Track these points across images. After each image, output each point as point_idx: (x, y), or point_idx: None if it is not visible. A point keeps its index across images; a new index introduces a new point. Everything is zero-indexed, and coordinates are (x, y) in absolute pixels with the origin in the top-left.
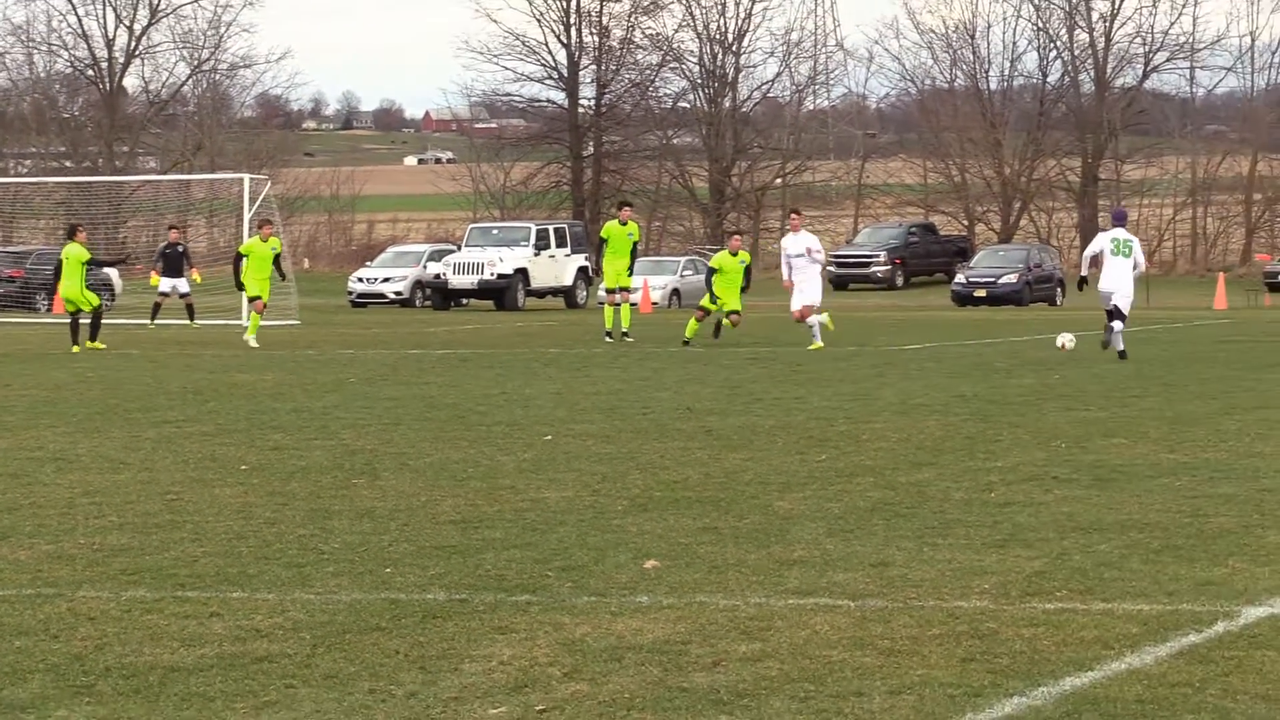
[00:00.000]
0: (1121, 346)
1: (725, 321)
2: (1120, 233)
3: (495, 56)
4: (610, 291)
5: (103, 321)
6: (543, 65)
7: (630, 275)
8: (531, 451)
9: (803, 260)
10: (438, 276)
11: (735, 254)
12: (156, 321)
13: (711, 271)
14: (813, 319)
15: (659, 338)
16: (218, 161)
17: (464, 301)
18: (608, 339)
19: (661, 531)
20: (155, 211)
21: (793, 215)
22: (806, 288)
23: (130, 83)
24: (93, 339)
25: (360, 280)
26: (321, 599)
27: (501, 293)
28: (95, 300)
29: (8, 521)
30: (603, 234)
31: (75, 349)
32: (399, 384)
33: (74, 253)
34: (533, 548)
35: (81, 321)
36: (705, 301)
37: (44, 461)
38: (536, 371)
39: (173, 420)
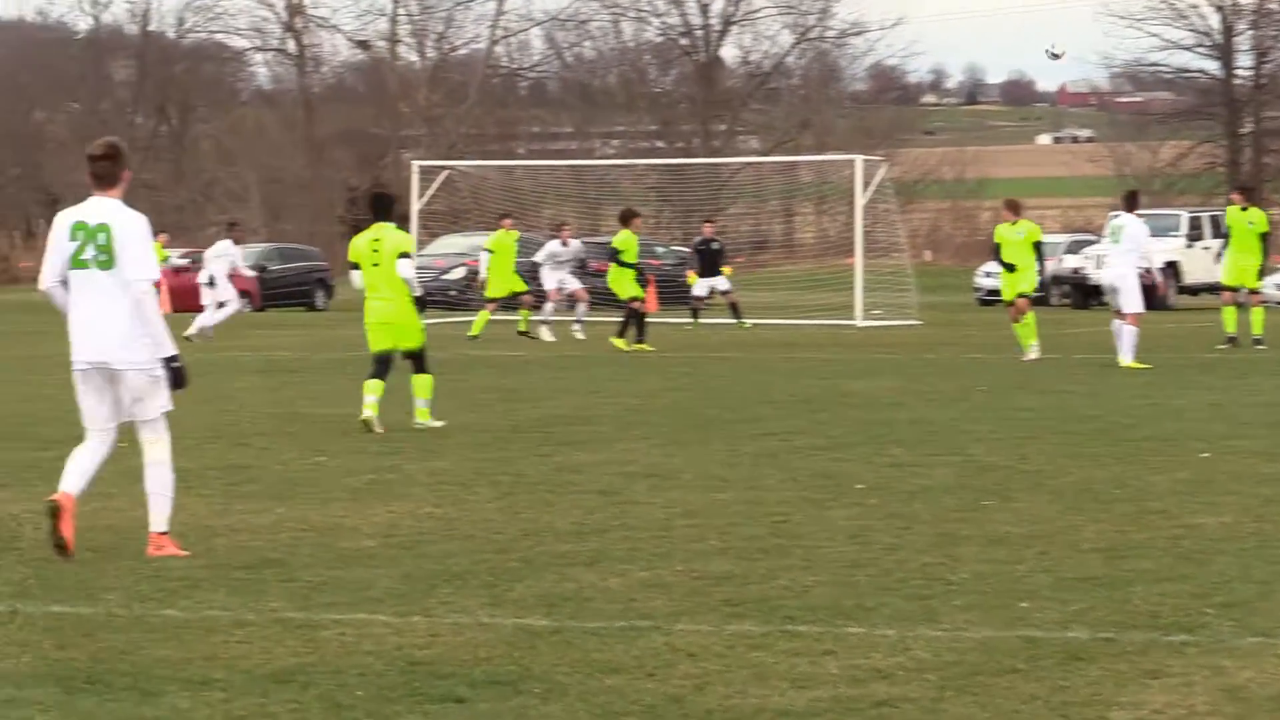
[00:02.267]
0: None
1: None
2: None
3: (1139, 21)
4: (1232, 290)
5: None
6: (1193, 31)
7: (1260, 276)
8: (1186, 471)
9: None
10: (1076, 271)
11: None
12: (699, 321)
13: None
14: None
15: None
16: (826, 141)
17: (1101, 300)
18: (1228, 345)
19: None
20: (757, 198)
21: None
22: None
23: (728, 53)
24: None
25: (988, 275)
26: (948, 636)
27: (1149, 289)
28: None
29: (597, 545)
30: (1227, 223)
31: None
32: (1034, 393)
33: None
34: (1188, 580)
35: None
36: None
37: (636, 478)
38: (1189, 379)
39: (778, 432)
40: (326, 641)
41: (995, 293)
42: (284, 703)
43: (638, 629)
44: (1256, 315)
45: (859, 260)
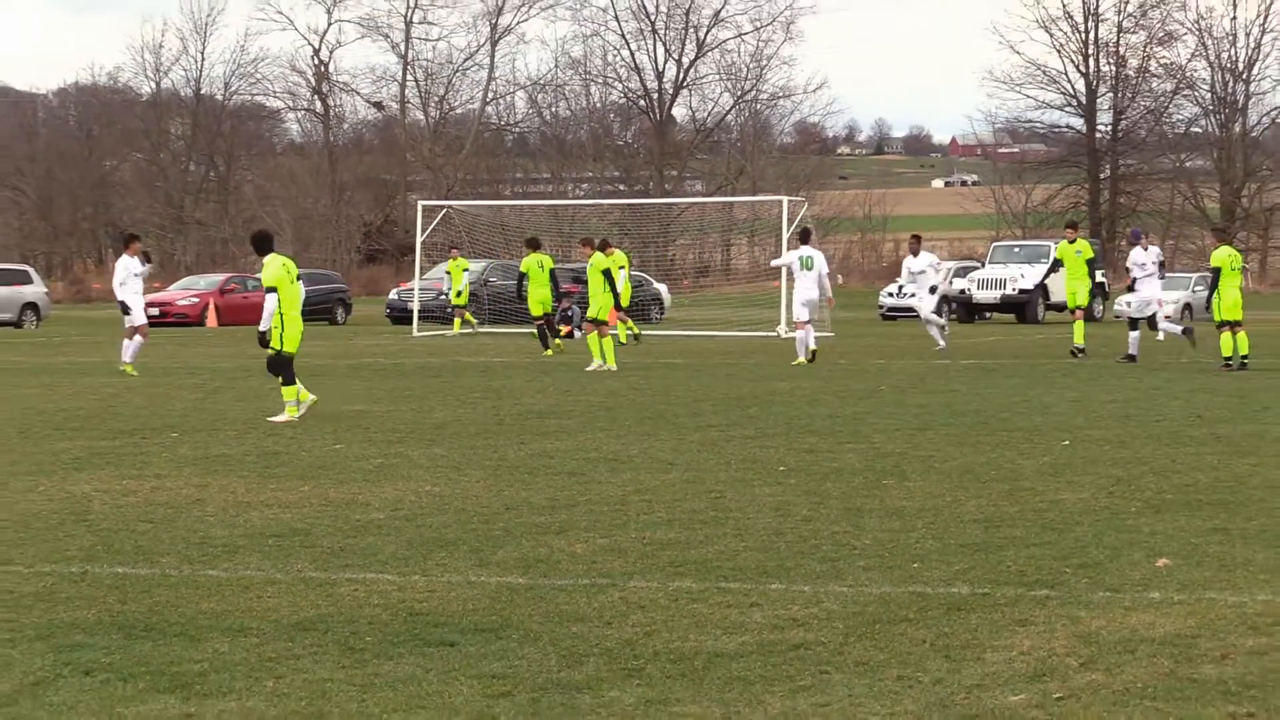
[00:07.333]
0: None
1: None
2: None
3: (1017, 86)
4: (1071, 310)
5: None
6: (1062, 93)
7: (1091, 297)
8: (1050, 456)
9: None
10: (963, 292)
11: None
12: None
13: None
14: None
15: (1170, 349)
16: (759, 184)
17: (987, 315)
18: (1078, 355)
19: (1173, 532)
20: (701, 231)
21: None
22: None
23: (679, 112)
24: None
25: (890, 295)
26: (853, 591)
27: (1023, 307)
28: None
29: (566, 517)
30: (1058, 254)
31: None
32: (927, 392)
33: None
34: (1051, 546)
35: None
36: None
37: (599, 462)
38: (1055, 381)
39: (717, 425)
40: (342, 596)
41: (895, 309)
42: (307, 646)
43: (598, 586)
44: (1078, 327)
45: (784, 283)
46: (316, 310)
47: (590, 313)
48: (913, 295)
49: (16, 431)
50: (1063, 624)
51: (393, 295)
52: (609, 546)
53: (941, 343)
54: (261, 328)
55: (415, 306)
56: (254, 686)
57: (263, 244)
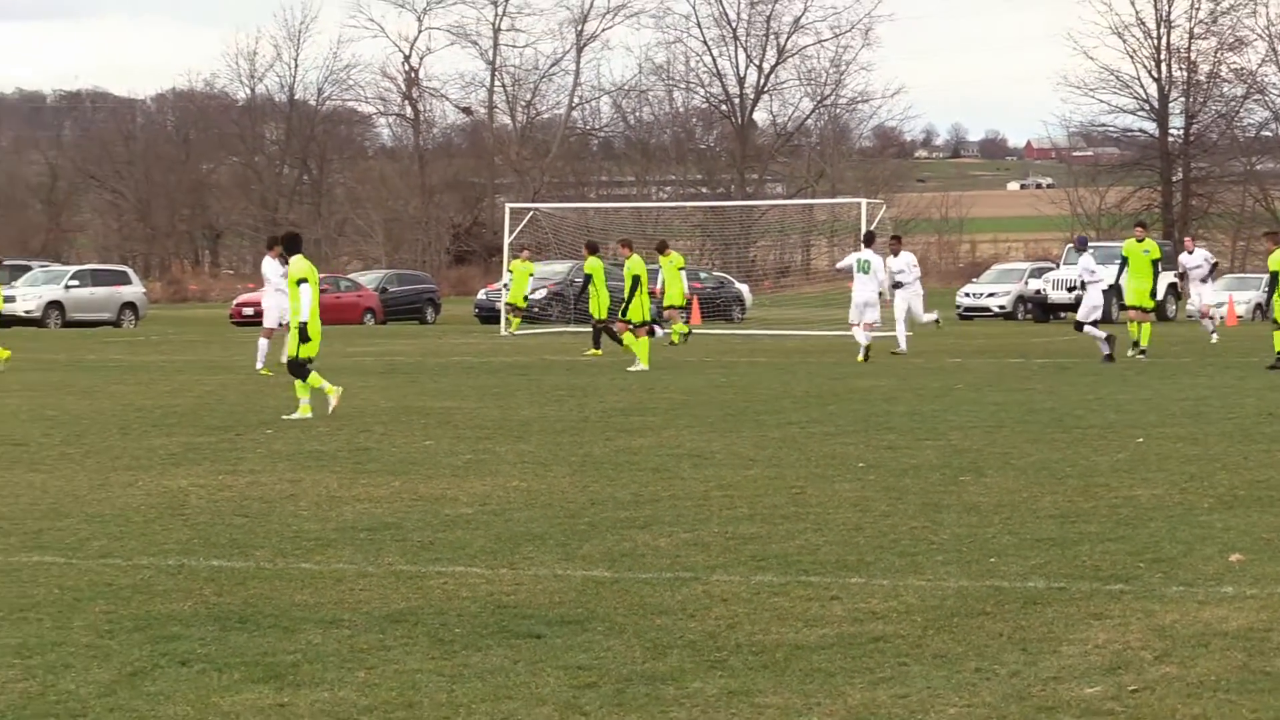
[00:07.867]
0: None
1: None
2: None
3: (1091, 90)
4: (1127, 309)
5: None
6: (1135, 98)
7: (1153, 298)
8: (1124, 453)
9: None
10: (1038, 292)
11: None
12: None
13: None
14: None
15: (1241, 349)
16: (838, 187)
17: (1062, 315)
18: (1135, 353)
19: (1245, 527)
20: (781, 233)
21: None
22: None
23: (759, 116)
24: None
25: (967, 295)
26: (931, 585)
27: None
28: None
29: (650, 511)
30: (1124, 252)
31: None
32: (1003, 390)
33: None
34: (1125, 541)
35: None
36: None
37: (682, 458)
38: (1129, 379)
39: (797, 421)
40: (432, 589)
41: (972, 308)
42: (398, 638)
43: (681, 579)
44: (1145, 329)
45: None
46: (407, 310)
47: (629, 315)
48: (892, 293)
49: (116, 428)
50: (1137, 618)
51: (481, 295)
52: (692, 541)
53: (903, 346)
54: (302, 318)
55: (503, 306)
56: (346, 677)
57: (292, 244)
